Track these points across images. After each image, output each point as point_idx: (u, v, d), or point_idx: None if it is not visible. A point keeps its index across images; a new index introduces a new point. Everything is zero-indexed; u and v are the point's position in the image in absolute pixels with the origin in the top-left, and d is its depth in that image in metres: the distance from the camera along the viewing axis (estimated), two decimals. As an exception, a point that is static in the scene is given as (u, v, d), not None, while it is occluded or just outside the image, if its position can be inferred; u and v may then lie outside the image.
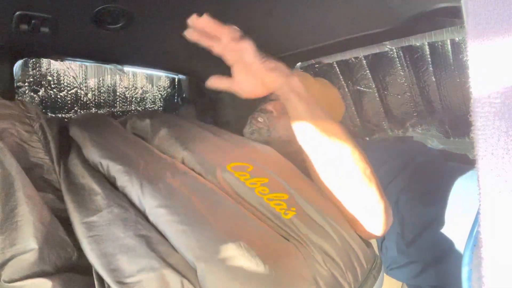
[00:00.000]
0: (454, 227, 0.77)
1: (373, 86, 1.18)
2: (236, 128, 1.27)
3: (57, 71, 1.07)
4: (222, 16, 0.84)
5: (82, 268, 0.51)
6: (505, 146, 0.22)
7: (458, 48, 0.94)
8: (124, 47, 0.96)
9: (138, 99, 1.28)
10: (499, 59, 0.24)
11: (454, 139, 1.11)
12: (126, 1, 0.71)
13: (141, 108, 1.29)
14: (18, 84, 1.00)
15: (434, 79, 1.04)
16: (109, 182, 0.61)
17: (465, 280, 0.41)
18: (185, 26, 0.63)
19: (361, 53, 1.13)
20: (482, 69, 0.24)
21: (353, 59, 1.16)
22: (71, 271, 0.50)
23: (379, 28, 0.85)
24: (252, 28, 0.90)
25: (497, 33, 0.24)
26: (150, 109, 1.31)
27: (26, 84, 1.02)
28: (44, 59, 1.04)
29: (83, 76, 1.13)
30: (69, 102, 1.12)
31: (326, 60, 1.23)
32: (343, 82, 1.24)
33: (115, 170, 0.61)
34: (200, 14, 0.62)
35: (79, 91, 1.13)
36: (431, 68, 1.02)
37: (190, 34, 0.61)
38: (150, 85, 1.30)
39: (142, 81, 1.27)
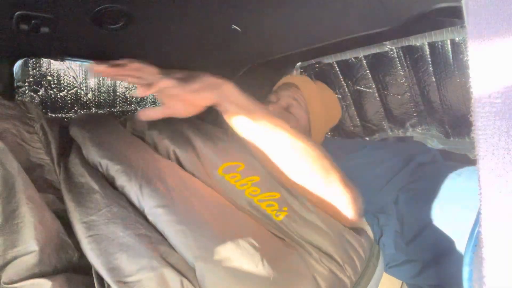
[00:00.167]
0: (454, 226, 0.77)
1: (373, 86, 1.18)
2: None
3: (57, 71, 1.07)
4: (222, 16, 0.84)
5: (82, 268, 0.51)
6: (506, 146, 0.22)
7: (458, 48, 0.94)
8: (124, 47, 0.96)
9: (138, 99, 1.28)
10: (500, 59, 0.24)
11: (454, 139, 1.11)
12: (126, 1, 0.71)
13: (141, 108, 1.29)
14: (18, 84, 1.00)
15: (434, 79, 1.04)
16: (108, 182, 0.61)
17: (465, 280, 0.41)
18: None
19: (361, 53, 1.13)
20: (483, 69, 0.24)
21: (353, 59, 1.16)
22: (71, 271, 0.50)
23: (379, 28, 0.85)
24: (252, 28, 0.91)
25: (497, 33, 0.24)
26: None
27: (26, 84, 1.02)
28: (44, 59, 1.04)
29: (83, 76, 1.13)
30: (69, 102, 1.12)
31: (326, 60, 1.23)
32: (343, 82, 1.24)
33: (114, 170, 0.61)
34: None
35: (79, 91, 1.13)
36: (431, 68, 1.02)
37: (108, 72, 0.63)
38: (150, 85, 1.30)
39: (142, 81, 1.27)
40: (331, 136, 1.40)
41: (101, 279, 0.48)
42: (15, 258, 0.47)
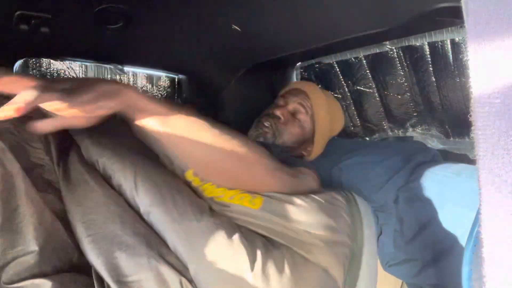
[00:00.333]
0: (454, 226, 0.77)
1: (373, 86, 1.18)
2: (236, 128, 1.27)
3: (57, 71, 1.07)
4: (222, 16, 0.84)
5: (82, 268, 0.51)
6: (506, 146, 0.22)
7: (458, 48, 0.94)
8: (124, 47, 0.96)
9: (138, 99, 1.28)
10: (499, 59, 0.24)
11: (454, 139, 1.11)
12: (126, 1, 0.71)
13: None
14: (18, 84, 1.00)
15: (434, 79, 1.04)
16: (106, 181, 0.61)
17: (465, 280, 0.41)
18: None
19: (361, 53, 1.13)
20: (482, 69, 0.24)
21: (353, 59, 1.16)
22: (71, 271, 0.50)
23: (379, 28, 0.85)
24: (252, 28, 0.91)
25: (497, 33, 0.24)
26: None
27: (26, 84, 1.02)
28: (44, 59, 1.04)
29: (83, 76, 1.13)
30: (69, 102, 1.12)
31: (326, 60, 1.23)
32: (343, 82, 1.24)
33: (111, 168, 0.61)
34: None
35: (79, 91, 1.13)
36: (431, 68, 1.02)
37: None
38: (150, 85, 1.30)
39: (142, 81, 1.27)
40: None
41: (101, 280, 0.48)
42: (15, 258, 0.47)
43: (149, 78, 1.28)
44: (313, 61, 1.27)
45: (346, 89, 1.25)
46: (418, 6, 0.74)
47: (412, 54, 1.03)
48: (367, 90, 1.20)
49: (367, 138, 1.30)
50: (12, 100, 0.39)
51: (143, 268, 0.46)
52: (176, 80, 1.34)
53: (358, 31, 0.89)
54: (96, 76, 1.15)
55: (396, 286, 0.95)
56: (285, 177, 0.63)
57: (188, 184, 0.63)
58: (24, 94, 0.39)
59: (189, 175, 0.64)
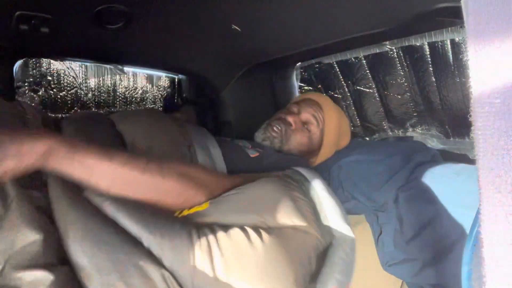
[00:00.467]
0: (454, 226, 0.77)
1: (373, 86, 1.18)
2: (236, 128, 1.27)
3: (57, 71, 1.07)
4: (222, 16, 0.84)
5: None
6: (505, 146, 0.22)
7: (458, 48, 0.95)
8: (124, 47, 0.96)
9: (138, 99, 1.28)
10: (499, 59, 0.24)
11: (454, 139, 1.11)
12: (126, 1, 0.71)
13: (141, 108, 1.29)
14: (18, 84, 1.00)
15: (434, 79, 1.04)
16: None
17: (465, 280, 0.41)
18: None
19: (361, 53, 1.13)
20: (482, 69, 0.24)
21: (353, 59, 1.16)
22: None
23: (379, 28, 0.85)
24: (252, 28, 0.91)
25: (497, 33, 0.24)
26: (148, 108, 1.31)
27: (26, 84, 1.02)
28: (44, 59, 1.04)
29: (83, 76, 1.13)
30: (69, 102, 1.12)
31: (326, 60, 1.23)
32: (343, 82, 1.24)
33: None
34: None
35: (79, 91, 1.13)
36: (431, 68, 1.02)
37: None
38: (150, 85, 1.30)
39: (142, 81, 1.27)
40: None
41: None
42: (19, 247, 0.47)
43: (149, 78, 1.29)
44: (313, 61, 1.27)
45: (346, 89, 1.25)
46: (418, 6, 0.74)
47: (412, 54, 1.03)
48: (367, 90, 1.20)
49: (367, 138, 1.30)
50: None
51: (124, 265, 0.46)
52: (176, 80, 1.34)
53: (358, 31, 0.89)
54: (96, 76, 1.15)
55: (396, 286, 0.95)
56: (217, 186, 0.64)
57: None
58: None
59: None
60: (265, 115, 1.08)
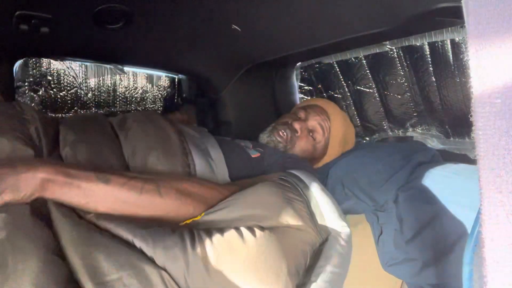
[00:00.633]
0: (454, 226, 0.77)
1: (373, 86, 1.18)
2: (236, 128, 1.27)
3: (57, 71, 1.07)
4: (222, 16, 0.84)
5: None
6: (506, 146, 0.22)
7: (458, 48, 0.94)
8: (124, 47, 0.96)
9: (138, 99, 1.28)
10: (500, 59, 0.24)
11: (454, 139, 1.11)
12: (126, 1, 0.71)
13: (141, 108, 1.29)
14: (18, 84, 1.00)
15: (434, 79, 1.04)
16: None
17: (466, 280, 0.41)
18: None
19: (361, 53, 1.13)
20: (483, 69, 0.24)
21: (353, 59, 1.16)
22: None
23: (379, 28, 0.85)
24: (252, 28, 0.91)
25: (497, 33, 0.24)
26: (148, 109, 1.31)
27: (26, 84, 1.02)
28: (44, 59, 1.04)
29: (83, 76, 1.13)
30: (69, 102, 1.12)
31: (326, 60, 1.23)
32: (343, 82, 1.24)
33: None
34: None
35: (79, 91, 1.13)
36: (431, 68, 1.02)
37: None
38: (150, 85, 1.30)
39: (142, 81, 1.27)
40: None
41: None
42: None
43: (149, 78, 1.29)
44: (313, 61, 1.27)
45: (346, 89, 1.25)
46: (418, 6, 0.74)
47: (412, 54, 1.03)
48: (367, 90, 1.20)
49: (367, 138, 1.30)
50: None
51: (122, 266, 0.46)
52: (176, 80, 1.34)
53: (358, 31, 0.89)
54: (96, 76, 1.15)
55: (396, 286, 0.95)
56: (207, 196, 0.63)
57: None
58: None
59: None
60: (265, 115, 1.08)
